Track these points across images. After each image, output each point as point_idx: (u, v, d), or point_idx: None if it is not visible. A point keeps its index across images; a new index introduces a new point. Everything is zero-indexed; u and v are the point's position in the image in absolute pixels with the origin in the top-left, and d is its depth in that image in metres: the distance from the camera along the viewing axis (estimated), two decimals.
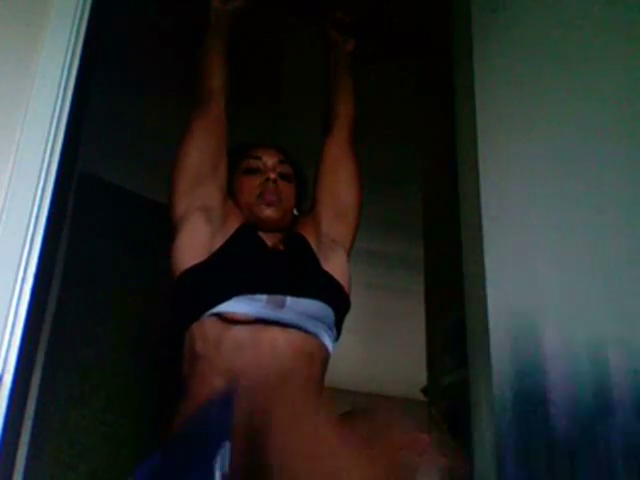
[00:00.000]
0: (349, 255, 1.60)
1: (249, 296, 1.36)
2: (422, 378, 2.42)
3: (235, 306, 1.35)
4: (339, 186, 1.63)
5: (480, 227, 1.57)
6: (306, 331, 1.38)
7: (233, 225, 1.50)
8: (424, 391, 2.46)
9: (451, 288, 1.80)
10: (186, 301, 1.41)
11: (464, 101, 1.73)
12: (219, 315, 1.35)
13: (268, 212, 1.54)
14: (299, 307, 1.39)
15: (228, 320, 1.35)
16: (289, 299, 1.38)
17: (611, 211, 1.29)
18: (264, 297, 1.37)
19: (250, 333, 1.34)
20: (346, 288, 1.53)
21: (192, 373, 1.36)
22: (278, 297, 1.38)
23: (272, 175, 1.56)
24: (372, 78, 2.56)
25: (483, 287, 1.51)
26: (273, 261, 1.49)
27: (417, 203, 2.66)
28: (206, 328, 1.36)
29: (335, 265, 1.53)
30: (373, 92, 2.56)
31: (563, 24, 1.53)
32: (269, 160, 1.60)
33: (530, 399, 1.35)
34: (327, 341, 1.43)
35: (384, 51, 2.58)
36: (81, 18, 1.49)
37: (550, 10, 1.58)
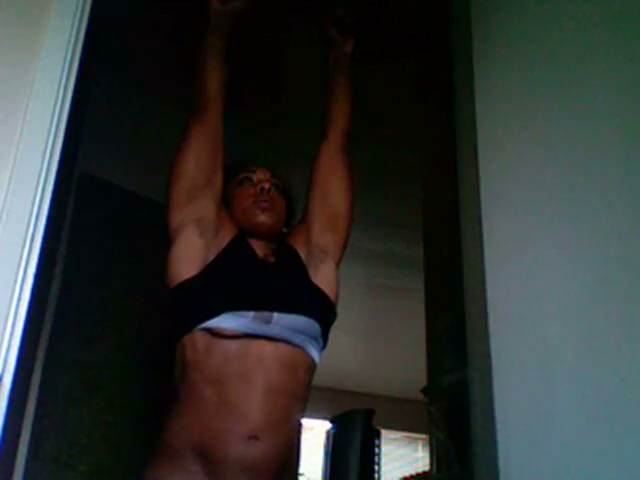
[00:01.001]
0: (338, 265, 1.63)
1: (237, 312, 1.41)
2: (422, 378, 2.42)
3: (223, 322, 1.40)
4: (331, 195, 1.66)
5: (480, 227, 1.57)
6: (292, 344, 1.43)
7: (226, 237, 1.54)
8: (424, 391, 2.46)
9: (451, 288, 1.80)
10: (178, 314, 1.46)
11: (464, 101, 1.73)
12: (208, 329, 1.40)
13: (262, 218, 1.57)
14: (285, 322, 1.44)
15: (217, 334, 1.40)
16: (276, 315, 1.43)
17: (613, 210, 1.29)
18: (251, 314, 1.42)
19: (238, 346, 1.39)
20: (333, 298, 1.57)
21: (183, 380, 1.41)
22: (265, 313, 1.43)
23: (266, 185, 1.61)
24: (372, 78, 2.56)
25: (483, 287, 1.51)
26: (262, 275, 1.53)
27: (417, 203, 2.66)
28: (196, 340, 1.41)
29: (324, 277, 1.57)
30: (373, 92, 2.56)
31: (563, 23, 1.53)
32: (262, 174, 1.65)
33: (533, 400, 1.35)
34: (313, 352, 1.48)
35: (384, 51, 2.58)
36: (81, 18, 1.49)
37: (550, 10, 1.58)
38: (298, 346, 1.44)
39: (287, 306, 1.45)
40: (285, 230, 1.67)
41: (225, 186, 1.60)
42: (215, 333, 1.39)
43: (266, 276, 1.53)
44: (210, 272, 1.46)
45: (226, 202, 1.60)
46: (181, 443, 1.34)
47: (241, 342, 1.39)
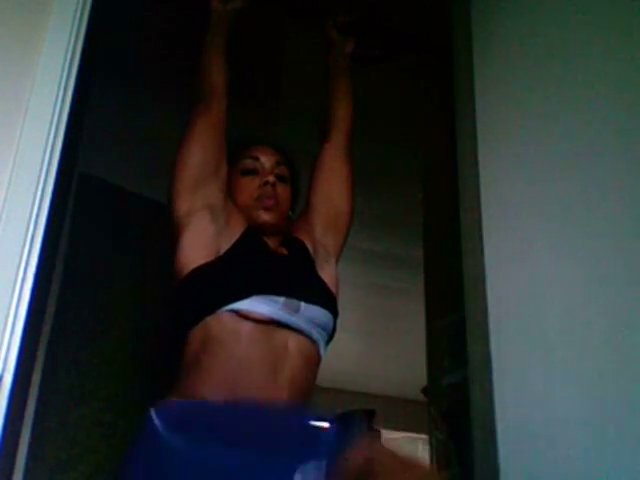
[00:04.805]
0: (337, 262, 1.62)
1: (267, 296, 1.39)
2: (422, 378, 2.42)
3: (253, 305, 1.37)
4: (333, 194, 1.65)
5: (480, 227, 1.57)
6: (310, 339, 1.42)
7: (237, 227, 1.51)
8: (424, 391, 2.46)
9: (451, 288, 1.80)
10: (201, 296, 1.41)
11: (464, 101, 1.73)
12: (236, 312, 1.37)
13: (266, 217, 1.54)
14: (310, 313, 1.42)
15: (244, 317, 1.37)
16: (303, 305, 1.42)
17: (612, 209, 1.29)
18: (282, 299, 1.39)
19: (265, 332, 1.37)
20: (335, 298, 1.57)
21: (204, 355, 1.37)
22: (294, 301, 1.41)
23: (271, 178, 1.56)
24: (372, 78, 2.56)
25: (483, 287, 1.51)
26: (280, 266, 1.52)
27: (417, 203, 2.66)
28: (223, 320, 1.37)
29: (327, 275, 1.57)
30: (373, 92, 2.56)
31: (563, 23, 1.53)
32: (267, 161, 1.59)
33: (533, 400, 1.35)
34: (322, 349, 1.47)
35: (384, 51, 2.58)
36: (81, 18, 1.49)
37: (550, 9, 1.58)
38: (314, 341, 1.43)
39: (312, 297, 1.44)
40: (291, 215, 1.64)
41: (227, 171, 1.56)
42: (242, 316, 1.37)
43: (286, 266, 1.52)
44: (232, 257, 1.44)
45: (228, 188, 1.56)
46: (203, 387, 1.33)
47: (268, 328, 1.37)
